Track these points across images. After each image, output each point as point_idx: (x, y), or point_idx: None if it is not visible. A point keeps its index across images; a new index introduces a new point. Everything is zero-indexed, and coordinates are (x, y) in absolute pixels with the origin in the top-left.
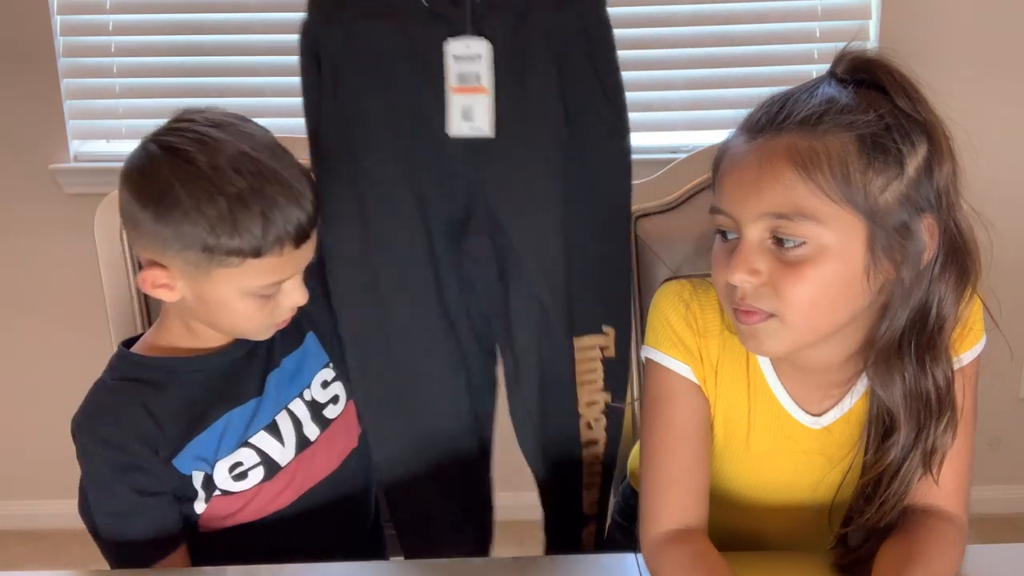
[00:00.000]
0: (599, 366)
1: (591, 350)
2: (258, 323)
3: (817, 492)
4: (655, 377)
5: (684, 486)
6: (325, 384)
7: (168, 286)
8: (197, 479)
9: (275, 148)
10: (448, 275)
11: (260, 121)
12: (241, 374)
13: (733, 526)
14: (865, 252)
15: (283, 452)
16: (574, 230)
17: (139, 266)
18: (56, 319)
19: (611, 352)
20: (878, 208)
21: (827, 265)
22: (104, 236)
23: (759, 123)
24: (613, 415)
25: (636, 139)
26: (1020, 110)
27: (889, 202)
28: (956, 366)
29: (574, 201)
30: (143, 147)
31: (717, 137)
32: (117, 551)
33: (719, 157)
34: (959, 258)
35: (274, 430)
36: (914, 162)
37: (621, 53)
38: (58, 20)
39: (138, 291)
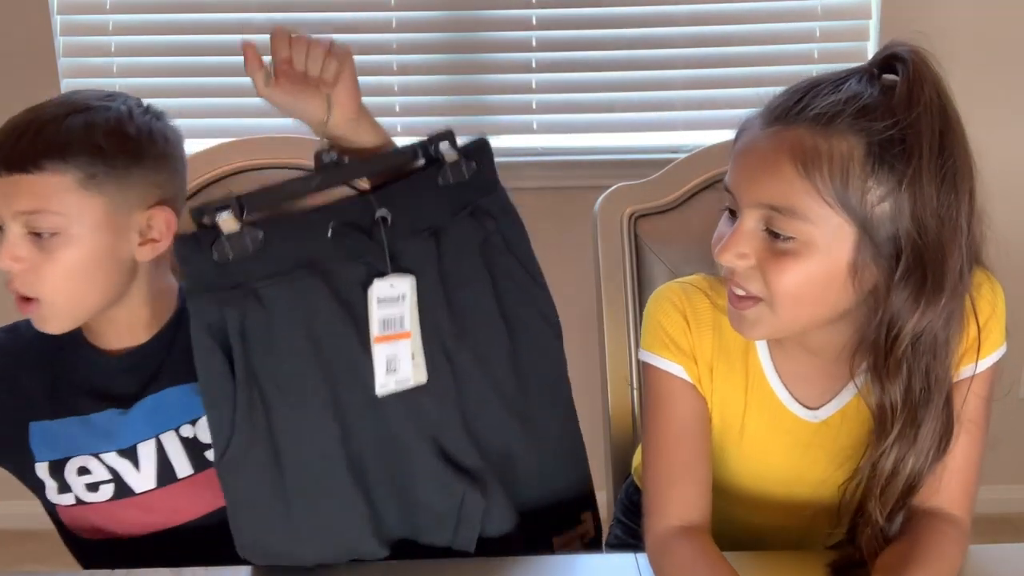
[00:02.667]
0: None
1: (572, 544)
2: None
3: (821, 489)
4: (651, 379)
5: (686, 482)
6: None
7: None
8: (41, 469)
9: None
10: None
11: (260, 121)
12: (113, 383)
13: (736, 519)
14: (851, 255)
15: (138, 478)
16: (535, 437)
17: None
18: None
19: (591, 533)
20: (872, 217)
21: (811, 261)
22: None
23: (776, 110)
24: None
25: (636, 139)
26: (1021, 110)
27: (885, 212)
28: (968, 374)
29: (521, 413)
30: None
31: (717, 137)
32: None
33: (737, 134)
34: (925, 275)
35: (131, 455)
36: (918, 181)
37: (622, 53)
38: (58, 20)
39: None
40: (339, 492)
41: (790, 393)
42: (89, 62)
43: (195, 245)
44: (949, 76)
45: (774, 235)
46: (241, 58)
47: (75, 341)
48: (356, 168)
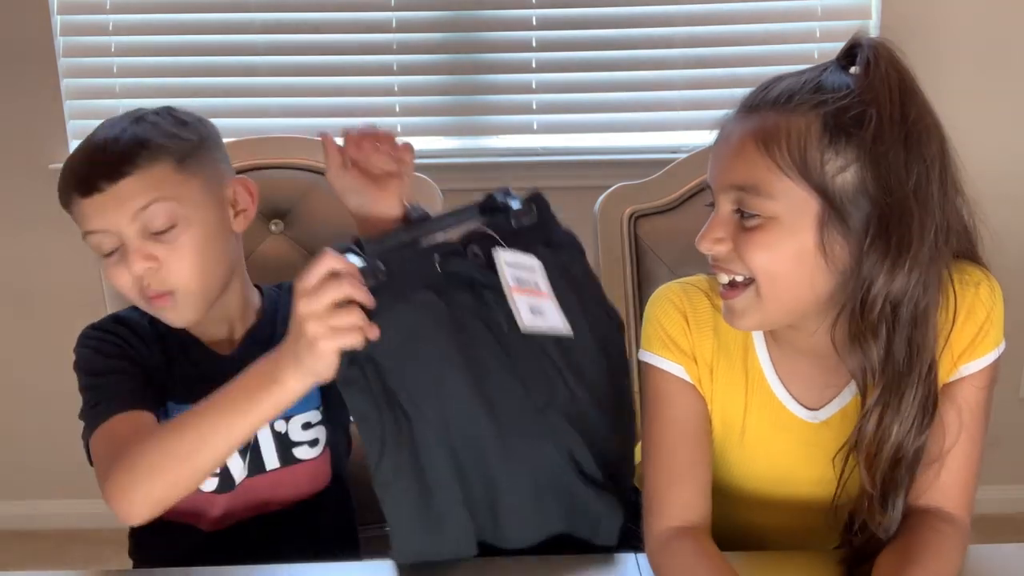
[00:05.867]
0: None
1: None
2: (126, 286)
3: (820, 488)
4: (651, 379)
5: (686, 483)
6: (307, 426)
7: None
8: None
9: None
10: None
11: (260, 121)
12: (217, 379)
13: (737, 519)
14: (816, 229)
15: (235, 468)
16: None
17: None
18: (55, 319)
19: None
20: (834, 187)
21: (779, 236)
22: None
23: (744, 101)
24: None
25: (636, 139)
26: (1019, 109)
27: (848, 182)
28: (968, 372)
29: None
30: None
31: None
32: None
33: (716, 135)
34: (890, 236)
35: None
36: (879, 147)
37: (622, 53)
38: (58, 20)
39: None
40: (476, 491)
41: (790, 394)
42: (89, 62)
43: None
44: (948, 74)
45: (743, 216)
46: (241, 58)
47: (174, 333)
48: (442, 220)
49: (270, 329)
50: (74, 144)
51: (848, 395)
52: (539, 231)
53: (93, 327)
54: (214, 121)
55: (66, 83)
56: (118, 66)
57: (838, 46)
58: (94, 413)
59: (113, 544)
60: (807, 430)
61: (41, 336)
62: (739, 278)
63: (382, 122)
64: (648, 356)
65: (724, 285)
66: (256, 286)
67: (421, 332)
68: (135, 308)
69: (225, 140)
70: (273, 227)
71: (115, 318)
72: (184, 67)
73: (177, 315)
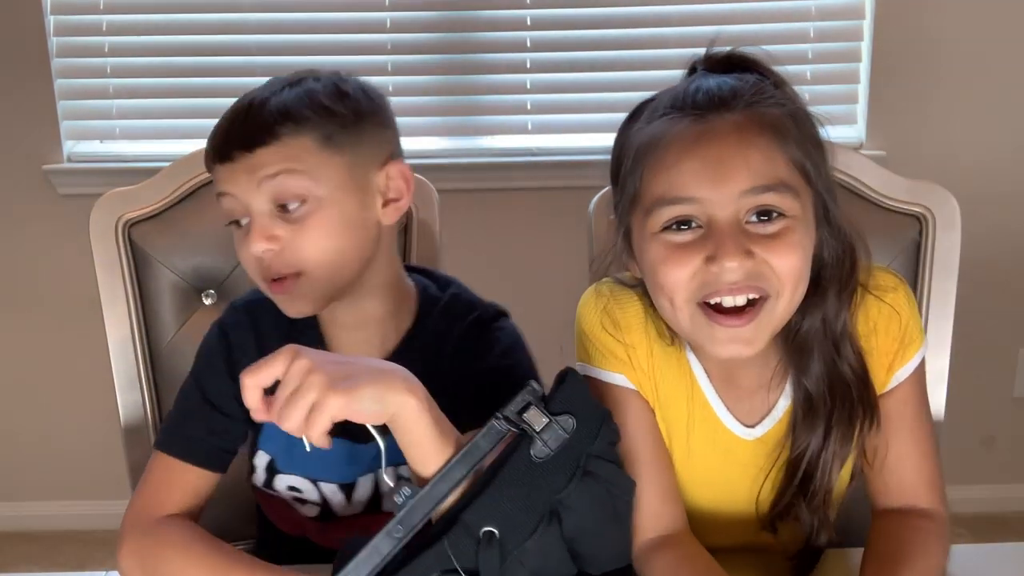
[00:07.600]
0: None
1: None
2: (250, 265)
3: (759, 506)
4: (596, 392)
5: (651, 492)
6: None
7: None
8: (260, 459)
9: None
10: None
11: None
12: None
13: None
14: (817, 224)
15: (346, 508)
16: None
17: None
18: (50, 320)
19: None
20: (821, 180)
21: (801, 235)
22: (98, 236)
23: (701, 104)
24: None
25: None
26: (1012, 110)
27: (824, 176)
28: (902, 377)
29: None
30: None
31: None
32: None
33: (646, 146)
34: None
35: (349, 488)
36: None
37: (617, 53)
38: (51, 20)
39: (133, 292)
40: None
41: (728, 410)
42: (83, 62)
43: None
44: (941, 74)
45: (765, 219)
46: (235, 58)
47: (307, 339)
48: (431, 496)
49: (420, 343)
50: (68, 144)
51: (780, 411)
52: (576, 446)
53: (224, 322)
54: (208, 122)
55: (59, 83)
56: (112, 66)
57: (832, 46)
58: (163, 436)
59: (105, 545)
60: (744, 448)
61: (33, 337)
62: (754, 295)
63: None
64: (589, 370)
65: (727, 309)
66: (417, 283)
67: None
68: None
69: None
70: None
71: (249, 305)
72: (178, 67)
73: (292, 304)
